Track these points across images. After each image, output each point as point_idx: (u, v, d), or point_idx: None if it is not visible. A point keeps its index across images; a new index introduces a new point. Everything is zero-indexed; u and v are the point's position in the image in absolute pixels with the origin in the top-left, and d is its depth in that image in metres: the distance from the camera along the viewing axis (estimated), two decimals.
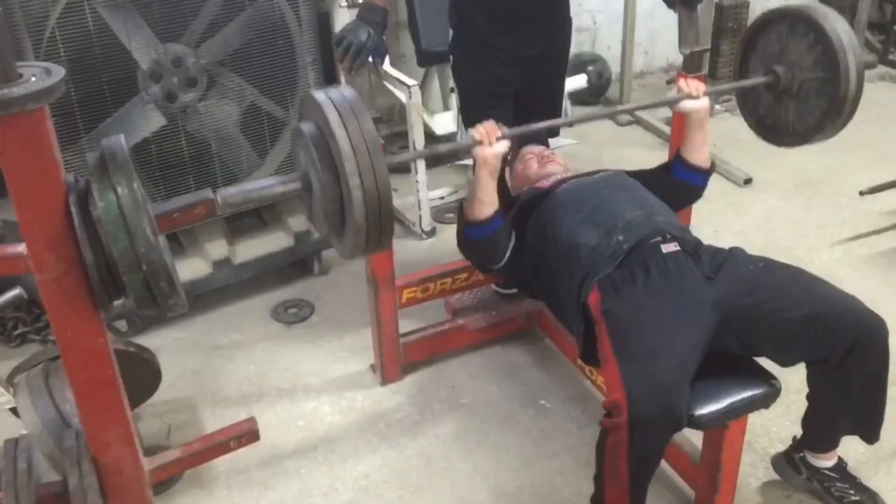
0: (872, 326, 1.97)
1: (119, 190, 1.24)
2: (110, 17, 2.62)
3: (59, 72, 1.23)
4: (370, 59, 2.34)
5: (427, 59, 3.99)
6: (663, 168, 2.48)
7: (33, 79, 1.22)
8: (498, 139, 2.11)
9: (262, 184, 1.61)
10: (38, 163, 1.24)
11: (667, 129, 4.37)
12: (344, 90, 1.60)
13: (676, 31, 2.62)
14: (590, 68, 4.70)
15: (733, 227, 3.58)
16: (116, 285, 1.30)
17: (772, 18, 2.36)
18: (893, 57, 5.12)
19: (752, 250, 3.44)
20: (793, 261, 3.36)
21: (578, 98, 4.60)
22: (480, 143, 2.10)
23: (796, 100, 2.34)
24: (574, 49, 4.70)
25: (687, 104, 2.30)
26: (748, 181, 3.92)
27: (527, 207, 2.32)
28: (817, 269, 3.30)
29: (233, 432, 1.90)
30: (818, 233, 3.57)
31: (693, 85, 2.30)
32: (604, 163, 4.16)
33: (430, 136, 3.99)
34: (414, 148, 3.43)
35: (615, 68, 4.81)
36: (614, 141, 4.44)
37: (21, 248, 1.31)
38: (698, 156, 2.39)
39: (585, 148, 4.28)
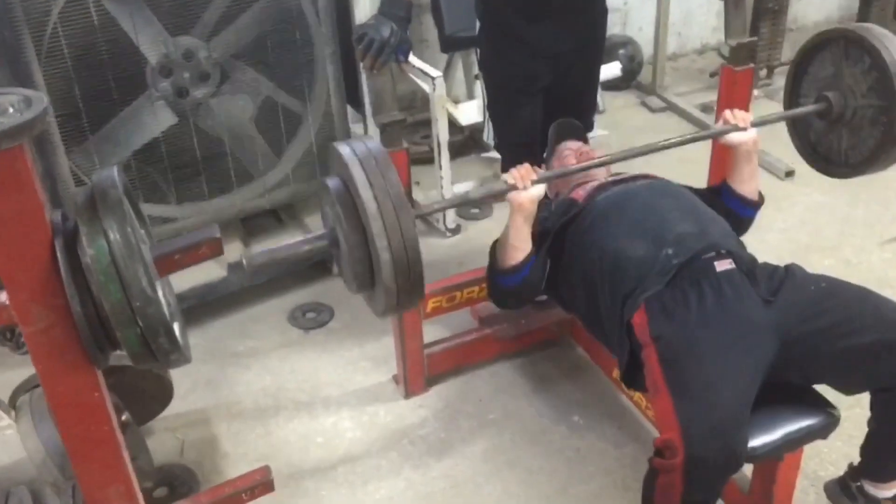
0: None
1: (111, 235, 1.09)
2: (116, 10, 2.46)
3: (41, 101, 1.07)
4: (393, 57, 2.16)
5: (451, 44, 3.81)
6: (712, 191, 2.29)
7: (10, 110, 1.06)
8: (533, 182, 1.97)
9: (289, 245, 1.59)
10: (18, 204, 1.09)
11: (702, 117, 4.17)
12: (369, 143, 1.56)
13: (711, 11, 2.44)
14: (621, 51, 4.48)
15: (775, 224, 3.39)
16: (110, 339, 1.15)
17: (825, 40, 2.20)
18: None
19: (796, 249, 3.31)
20: (840, 262, 3.26)
21: (609, 83, 4.38)
22: (515, 187, 1.96)
23: (849, 128, 2.18)
24: None
25: (733, 137, 2.12)
26: (790, 174, 3.71)
27: (562, 226, 2.15)
28: (866, 270, 3.18)
29: (245, 483, 1.76)
30: (866, 231, 3.37)
31: (739, 116, 2.12)
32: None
33: (455, 127, 3.82)
34: (438, 141, 3.26)
35: (647, 51, 4.59)
36: (647, 129, 4.23)
37: (3, 297, 1.16)
38: (746, 188, 2.22)
39: (616, 137, 4.07)
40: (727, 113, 2.14)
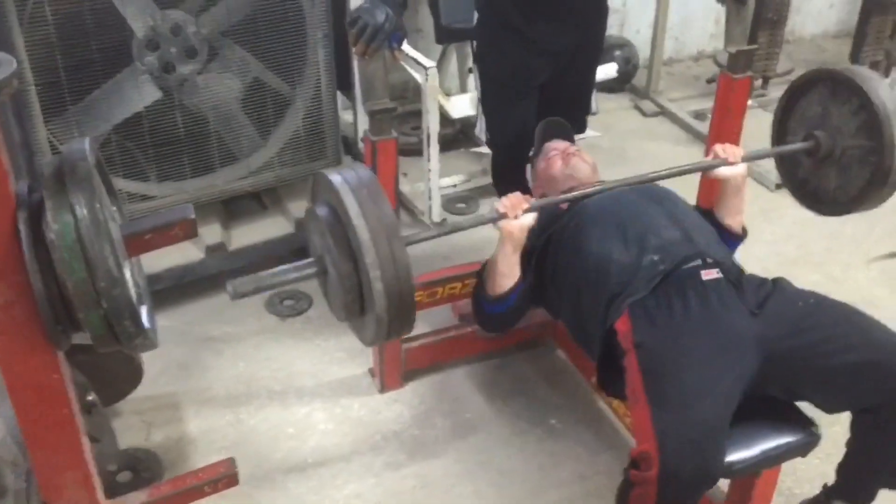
0: None
1: (78, 210, 1.03)
2: None
3: (9, 65, 1.00)
4: (386, 43, 2.10)
5: (446, 35, 3.74)
6: (702, 214, 2.26)
7: None
8: (524, 211, 1.95)
9: (275, 272, 1.57)
10: None
11: (695, 124, 4.14)
12: (360, 171, 1.58)
13: (710, 18, 2.41)
14: (617, 53, 4.44)
15: (763, 236, 3.36)
16: (72, 319, 1.09)
17: (813, 79, 2.22)
18: None
19: (783, 262, 3.28)
20: (826, 278, 3.23)
21: (603, 85, 4.33)
22: (505, 216, 1.94)
23: (838, 167, 2.20)
24: None
25: (723, 171, 2.12)
26: (780, 185, 3.67)
27: (548, 235, 2.11)
28: (852, 288, 3.16)
29: (208, 475, 1.70)
30: (853, 248, 3.35)
31: (730, 151, 2.12)
32: (628, 157, 3.95)
33: (446, 120, 3.76)
34: (428, 133, 3.21)
35: (643, 54, 4.55)
36: (639, 133, 4.20)
37: None
38: (731, 220, 2.21)
39: (608, 140, 4.03)
40: (717, 147, 2.14)
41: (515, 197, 1.98)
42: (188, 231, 1.21)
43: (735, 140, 2.46)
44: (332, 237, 1.54)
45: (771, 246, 3.33)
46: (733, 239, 2.24)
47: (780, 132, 2.35)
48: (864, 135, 2.10)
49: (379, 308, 1.50)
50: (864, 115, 2.08)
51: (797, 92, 2.27)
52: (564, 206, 2.16)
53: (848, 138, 2.14)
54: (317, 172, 1.59)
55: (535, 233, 2.12)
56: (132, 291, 1.08)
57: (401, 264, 1.49)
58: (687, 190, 2.48)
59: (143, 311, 1.15)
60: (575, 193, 2.10)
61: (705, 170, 2.18)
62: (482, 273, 2.16)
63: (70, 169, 1.04)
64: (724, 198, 2.20)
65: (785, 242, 3.37)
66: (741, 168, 2.13)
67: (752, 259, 3.02)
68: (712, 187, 2.33)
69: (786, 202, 3.61)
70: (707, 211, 2.26)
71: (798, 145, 2.24)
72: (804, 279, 2.92)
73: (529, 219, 1.98)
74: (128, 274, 1.08)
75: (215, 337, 2.85)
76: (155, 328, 1.17)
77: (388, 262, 1.48)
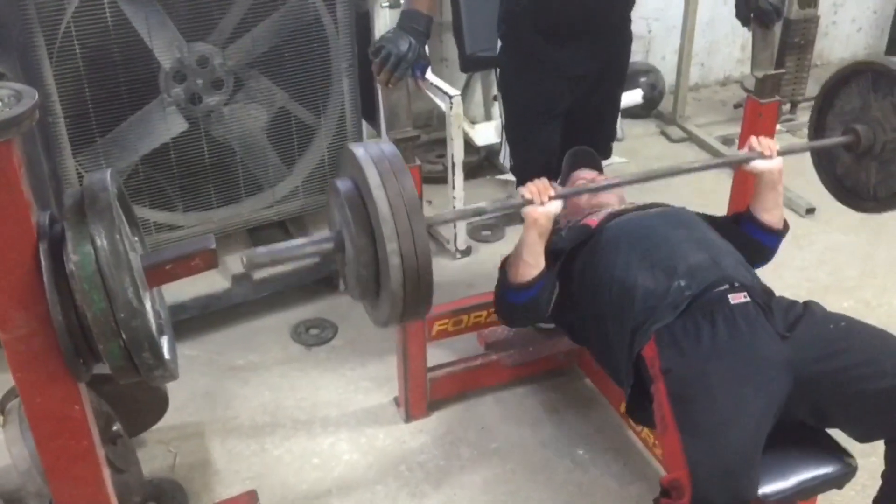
0: None
1: (97, 241, 1.03)
2: (131, 12, 2.43)
3: (31, 97, 1.01)
4: (410, 72, 2.11)
5: (471, 64, 3.75)
6: (733, 219, 2.23)
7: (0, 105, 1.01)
8: (550, 198, 1.93)
9: (291, 245, 1.53)
10: (3, 204, 1.03)
11: (722, 148, 4.10)
12: (384, 146, 1.52)
13: (736, 43, 2.39)
14: (643, 79, 4.42)
15: (794, 263, 3.31)
16: (92, 351, 1.09)
17: (851, 73, 2.18)
18: None
19: (815, 289, 3.23)
20: (860, 304, 3.17)
21: (629, 111, 4.32)
22: (531, 202, 1.92)
23: (878, 162, 2.15)
24: None
25: (758, 164, 2.08)
26: (811, 211, 3.63)
27: (573, 251, 2.09)
28: (886, 314, 3.09)
29: None
30: (888, 272, 3.28)
31: (765, 144, 2.08)
32: (654, 183, 3.90)
33: (471, 147, 3.76)
34: (452, 160, 3.21)
35: (669, 80, 4.53)
36: (666, 158, 4.17)
37: None
38: (770, 216, 2.16)
39: (634, 166, 4.01)
40: (753, 140, 2.10)
41: (542, 183, 1.95)
42: (209, 261, 1.20)
43: None
44: (350, 210, 1.49)
45: (803, 272, 3.28)
46: (774, 234, 2.20)
47: (818, 129, 2.30)
48: None
49: (395, 283, 1.44)
50: None
51: (835, 87, 2.23)
52: (591, 223, 2.14)
53: (890, 132, 2.08)
54: (344, 146, 1.55)
55: (564, 238, 2.11)
56: (152, 322, 1.07)
57: (420, 240, 1.44)
58: (714, 209, 2.46)
59: (164, 342, 1.14)
60: (606, 182, 2.08)
61: (741, 163, 2.15)
62: (506, 263, 2.13)
63: (91, 199, 1.05)
64: (760, 193, 2.16)
65: (816, 268, 3.32)
66: (777, 162, 2.09)
67: (784, 286, 2.95)
68: (745, 190, 2.27)
69: (817, 228, 3.58)
70: (743, 213, 2.22)
71: (838, 139, 2.19)
72: (837, 305, 2.86)
73: (556, 206, 1.95)
74: (148, 305, 1.07)
75: (240, 366, 2.85)
76: (175, 359, 1.17)
77: (406, 237, 1.43)
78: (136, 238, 1.25)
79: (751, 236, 2.17)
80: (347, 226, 1.50)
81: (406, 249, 1.42)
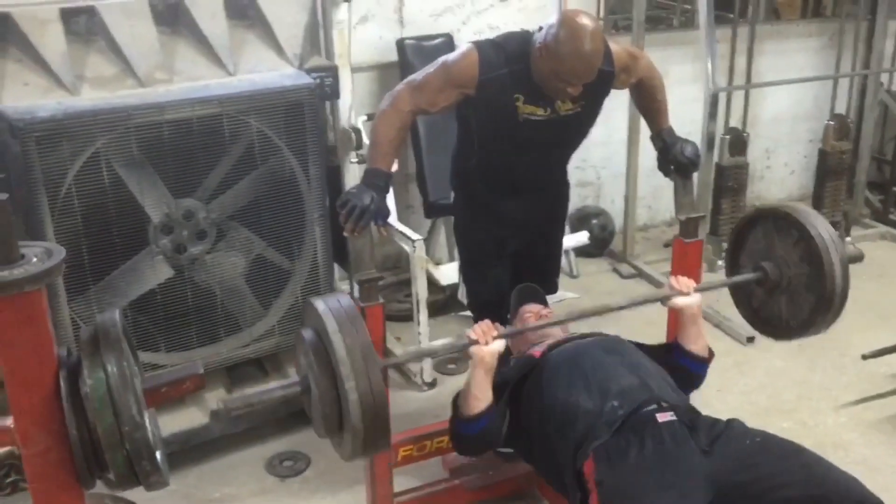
0: None
1: (109, 368, 1.26)
2: (126, 173, 2.72)
3: (60, 253, 1.28)
4: (372, 222, 2.40)
5: (434, 210, 4.10)
6: (665, 349, 2.49)
7: (34, 259, 1.27)
8: (494, 338, 2.17)
9: (262, 390, 1.78)
10: (32, 341, 1.27)
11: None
12: (341, 298, 1.77)
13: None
14: (594, 221, 4.79)
15: (737, 387, 3.55)
16: (99, 461, 1.31)
17: (757, 216, 2.47)
18: (894, 216, 5.23)
19: (756, 411, 3.46)
20: (798, 424, 3.39)
21: (582, 250, 4.66)
22: (477, 342, 2.16)
23: (787, 295, 2.41)
24: (578, 202, 4.84)
25: (677, 300, 2.37)
26: (751, 339, 3.90)
27: (520, 381, 2.33)
28: (822, 433, 3.31)
29: None
30: (822, 395, 3.53)
31: (683, 282, 2.38)
32: (607, 316, 4.18)
33: (436, 287, 4.04)
34: (417, 299, 3.47)
35: (619, 221, 4.90)
36: (617, 293, 4.46)
37: (8, 421, 1.32)
38: (694, 346, 2.43)
39: (588, 301, 4.29)
40: (672, 280, 2.39)
41: (486, 324, 2.20)
42: (198, 384, 1.43)
43: None
44: (314, 355, 1.71)
45: (744, 396, 3.51)
46: (701, 363, 2.45)
47: (732, 266, 2.58)
48: (806, 263, 2.31)
49: (354, 418, 1.64)
50: (804, 244, 2.30)
51: (744, 229, 2.51)
52: (535, 353, 2.38)
53: (792, 267, 2.35)
54: (306, 300, 1.81)
55: (509, 369, 2.33)
56: (150, 435, 1.29)
57: (374, 377, 1.65)
58: (656, 332, 2.71)
59: (158, 455, 1.36)
60: (544, 321, 2.32)
61: (662, 300, 2.42)
62: (457, 399, 2.34)
63: (103, 334, 1.29)
64: (683, 326, 2.42)
65: (758, 393, 3.56)
66: (695, 298, 2.37)
67: (728, 408, 3.21)
68: (676, 321, 2.53)
69: (758, 355, 3.84)
70: (672, 343, 2.47)
71: (748, 276, 2.45)
72: (776, 426, 3.10)
73: (499, 345, 2.19)
74: (147, 421, 1.30)
75: (217, 499, 2.99)
76: (167, 470, 1.37)
77: (362, 375, 1.64)
78: (136, 367, 1.49)
79: (680, 363, 2.42)
80: (311, 369, 1.73)
81: (363, 386, 1.64)
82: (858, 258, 2.38)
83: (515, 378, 2.32)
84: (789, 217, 2.35)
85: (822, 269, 2.27)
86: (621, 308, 2.32)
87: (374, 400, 1.67)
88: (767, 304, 2.49)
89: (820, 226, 2.29)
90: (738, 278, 2.48)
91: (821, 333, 2.45)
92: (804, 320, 2.40)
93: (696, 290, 2.37)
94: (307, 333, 1.78)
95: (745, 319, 2.62)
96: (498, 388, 2.27)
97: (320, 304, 1.76)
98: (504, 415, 2.30)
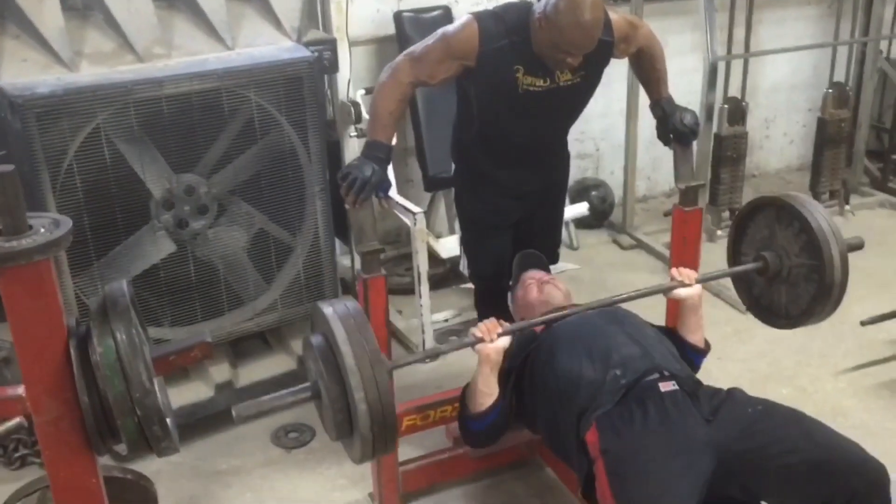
0: (873, 476, 1.95)
1: (118, 336, 1.28)
2: (126, 149, 2.73)
3: (67, 224, 1.29)
4: (374, 194, 2.42)
5: (434, 184, 4.11)
6: (665, 332, 2.50)
7: (42, 230, 1.28)
8: (499, 335, 2.18)
9: (274, 396, 1.79)
10: (41, 311, 1.29)
11: (669, 254, 4.42)
12: (349, 303, 1.80)
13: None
14: (593, 193, 4.80)
15: (737, 355, 3.58)
16: (111, 428, 1.33)
17: (759, 206, 2.48)
18: (892, 185, 5.24)
19: (756, 379, 3.49)
20: (797, 391, 3.42)
21: (582, 222, 4.68)
22: (482, 339, 2.17)
23: (787, 284, 2.43)
24: (578, 174, 4.85)
25: (679, 292, 2.39)
26: None
27: (524, 357, 2.34)
28: (821, 399, 3.35)
29: None
30: (821, 362, 3.56)
31: (685, 273, 2.39)
32: (608, 287, 4.21)
33: (436, 260, 4.05)
34: (418, 272, 3.49)
35: (618, 193, 4.91)
36: (618, 265, 4.49)
37: (20, 389, 1.34)
38: (693, 337, 2.45)
39: (588, 272, 4.32)
40: (674, 271, 2.40)
41: (490, 322, 2.21)
42: (206, 352, 1.45)
43: (694, 265, 2.73)
44: (323, 363, 1.75)
45: (744, 364, 3.54)
46: (698, 353, 2.47)
47: (735, 254, 2.60)
48: (806, 254, 2.33)
49: (363, 427, 1.70)
50: (805, 236, 2.32)
51: (746, 218, 2.53)
52: (539, 328, 2.40)
53: (793, 258, 2.37)
54: (314, 305, 1.83)
55: (513, 354, 2.35)
56: (160, 401, 1.32)
57: (383, 387, 1.70)
58: (657, 314, 2.73)
59: (168, 422, 1.38)
60: (544, 318, 2.35)
61: (664, 291, 2.44)
62: (464, 395, 2.38)
63: (112, 303, 1.31)
64: (683, 316, 2.45)
65: (757, 360, 3.59)
66: (696, 289, 2.39)
67: (728, 377, 3.23)
68: (675, 310, 2.57)
69: (756, 323, 3.80)
70: (672, 330, 2.50)
71: (749, 266, 2.47)
72: (776, 393, 3.14)
73: (504, 341, 2.20)
74: (156, 387, 1.32)
75: (224, 470, 3.03)
76: (177, 436, 1.40)
77: (371, 385, 1.70)
78: (145, 336, 1.51)
79: (680, 351, 2.44)
80: (321, 377, 1.76)
81: (371, 396, 1.68)
82: (858, 247, 2.40)
83: (518, 362, 2.34)
84: (791, 207, 2.36)
85: (821, 260, 2.29)
86: (624, 301, 2.34)
87: (383, 407, 1.71)
88: (767, 293, 2.51)
89: (821, 217, 2.31)
90: (738, 269, 2.50)
91: (821, 322, 2.47)
92: (803, 310, 2.42)
93: (698, 281, 2.39)
94: (316, 339, 1.81)
95: (746, 307, 2.65)
96: (504, 374, 2.30)
97: (328, 310, 1.79)
98: (511, 406, 2.33)
